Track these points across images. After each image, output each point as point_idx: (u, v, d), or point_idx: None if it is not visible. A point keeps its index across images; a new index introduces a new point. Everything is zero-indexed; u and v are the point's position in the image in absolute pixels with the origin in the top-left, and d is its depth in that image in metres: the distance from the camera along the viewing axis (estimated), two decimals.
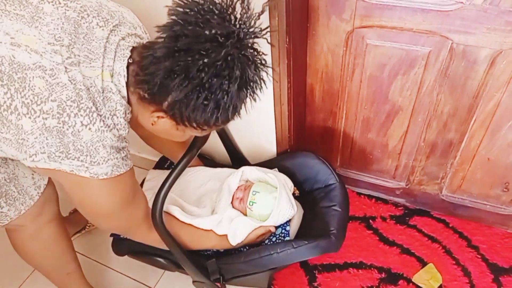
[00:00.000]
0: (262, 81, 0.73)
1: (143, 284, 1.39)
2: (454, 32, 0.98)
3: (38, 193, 0.99)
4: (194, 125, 0.73)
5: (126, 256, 1.27)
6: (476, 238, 1.37)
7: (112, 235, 1.25)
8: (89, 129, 0.70)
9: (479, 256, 1.33)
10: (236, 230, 1.12)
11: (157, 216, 0.96)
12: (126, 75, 0.74)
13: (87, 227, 1.54)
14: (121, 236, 1.21)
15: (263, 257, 1.06)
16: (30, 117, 0.67)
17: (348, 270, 1.35)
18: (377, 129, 1.30)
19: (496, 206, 1.32)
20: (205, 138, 0.98)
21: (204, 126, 0.74)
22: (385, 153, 1.37)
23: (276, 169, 1.30)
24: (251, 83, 0.70)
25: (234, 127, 1.30)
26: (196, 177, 1.33)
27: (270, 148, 1.34)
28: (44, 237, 1.07)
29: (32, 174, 0.97)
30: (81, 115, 0.69)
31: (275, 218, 1.12)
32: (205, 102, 0.68)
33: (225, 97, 0.68)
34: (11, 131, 0.68)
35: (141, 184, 1.35)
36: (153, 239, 1.00)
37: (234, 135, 1.32)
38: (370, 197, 1.53)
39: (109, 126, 0.73)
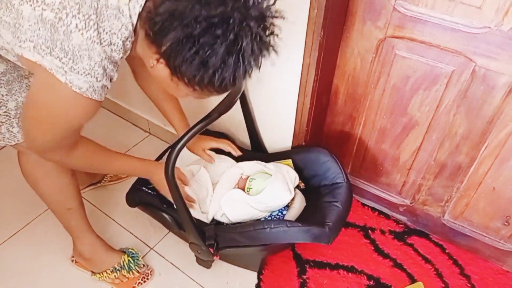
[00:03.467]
0: (261, 59, 0.73)
1: (144, 242, 1.47)
2: (478, 55, 1.04)
3: None
4: (185, 79, 0.75)
5: (133, 214, 1.36)
6: (470, 268, 1.39)
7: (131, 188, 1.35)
8: (82, 34, 0.71)
9: (469, 285, 1.34)
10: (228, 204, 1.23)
11: (169, 171, 1.04)
12: (142, 6, 0.74)
13: (102, 181, 1.64)
14: (137, 187, 1.31)
15: (256, 229, 1.12)
16: (31, 5, 0.71)
17: (338, 271, 1.39)
18: (392, 141, 1.35)
19: (494, 239, 1.34)
20: (227, 105, 1.06)
21: (193, 83, 0.75)
22: (395, 167, 1.41)
23: (291, 160, 1.37)
24: (246, 55, 0.70)
25: (258, 111, 1.37)
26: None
27: (286, 139, 1.41)
28: (48, 166, 1.12)
29: None
30: (79, 18, 0.70)
31: (268, 194, 1.18)
32: (193, 55, 0.69)
33: (213, 56, 0.68)
34: (12, 15, 0.73)
35: (161, 156, 1.44)
36: (70, 160, 0.96)
37: (257, 120, 1.40)
38: (373, 209, 1.57)
39: (103, 41, 0.73)
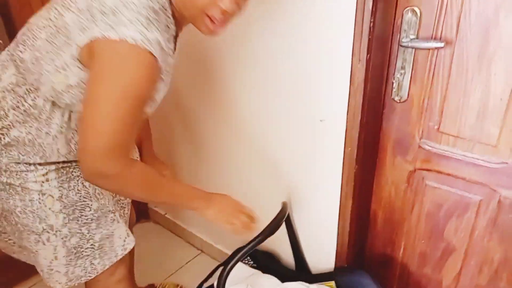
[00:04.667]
0: None
1: None
2: (501, 187, 1.14)
3: (122, 253, 1.14)
4: None
5: None
6: None
7: None
8: None
9: None
10: None
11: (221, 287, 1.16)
12: None
13: None
14: None
15: None
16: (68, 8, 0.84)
17: None
18: (433, 265, 1.40)
19: None
20: (273, 228, 1.21)
21: None
22: None
23: (334, 282, 1.43)
24: None
25: (302, 232, 1.50)
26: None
27: (329, 259, 1.49)
28: None
29: (125, 238, 1.14)
30: None
31: None
32: None
33: None
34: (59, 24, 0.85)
35: (211, 274, 1.55)
36: (129, 174, 0.87)
37: (301, 241, 1.52)
38: None
39: None
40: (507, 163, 1.11)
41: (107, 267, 1.11)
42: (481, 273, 1.29)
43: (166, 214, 2.16)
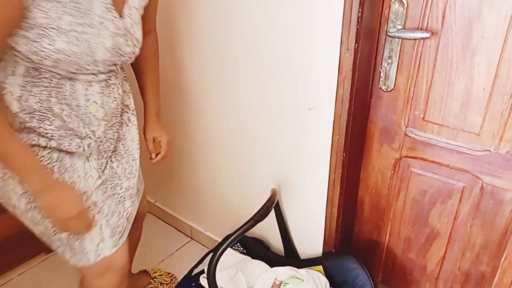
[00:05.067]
0: None
1: None
2: (483, 173, 1.18)
3: (95, 259, 1.07)
4: None
5: None
6: None
7: None
8: None
9: None
10: None
11: (211, 272, 1.19)
12: None
13: None
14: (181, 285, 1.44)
15: None
16: None
17: None
18: (417, 250, 1.44)
19: None
20: (263, 214, 1.24)
21: None
22: (423, 276, 1.47)
23: (321, 266, 1.47)
24: None
25: (290, 219, 1.53)
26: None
27: (317, 245, 1.53)
28: None
29: (98, 243, 1.07)
30: None
31: None
32: None
33: None
34: None
35: (201, 260, 1.59)
36: None
37: (290, 228, 1.56)
38: None
39: None
40: (489, 150, 1.15)
41: (79, 266, 1.08)
42: (464, 257, 1.34)
43: (156, 202, 2.18)
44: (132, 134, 1.18)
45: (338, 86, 1.17)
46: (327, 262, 1.47)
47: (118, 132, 1.12)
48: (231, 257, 1.54)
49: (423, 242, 1.41)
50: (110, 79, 1.02)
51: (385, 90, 1.24)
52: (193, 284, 1.45)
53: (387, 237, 1.50)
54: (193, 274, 1.54)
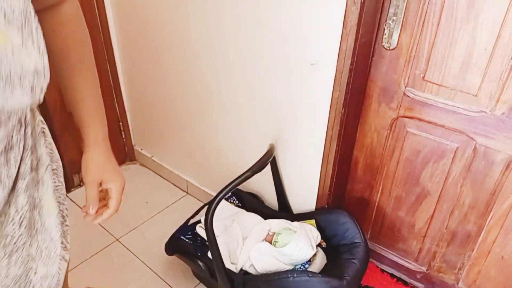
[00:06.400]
0: None
1: None
2: (477, 134, 1.21)
3: None
4: None
5: (168, 263, 1.52)
6: None
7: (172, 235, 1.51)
8: None
9: None
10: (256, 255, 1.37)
11: (208, 224, 1.23)
12: None
13: None
14: (176, 236, 1.48)
15: (281, 278, 1.25)
16: None
17: None
18: (407, 209, 1.49)
19: None
20: (260, 166, 1.26)
21: None
22: (411, 234, 1.53)
23: (314, 220, 1.52)
24: None
25: (286, 175, 1.57)
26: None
27: (311, 201, 1.57)
28: None
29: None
30: None
31: (292, 248, 1.32)
32: None
33: None
34: None
35: (197, 212, 1.63)
36: None
37: (285, 183, 1.59)
38: (392, 276, 1.66)
39: None
40: (485, 112, 1.17)
41: None
42: (452, 216, 1.39)
43: (152, 156, 2.20)
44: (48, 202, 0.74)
45: (342, 41, 1.18)
46: (319, 217, 1.52)
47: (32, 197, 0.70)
48: (226, 209, 1.59)
49: (413, 200, 1.46)
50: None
51: (388, 48, 1.25)
52: (189, 233, 1.49)
53: (378, 195, 1.55)
54: (189, 224, 1.58)
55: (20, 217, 0.66)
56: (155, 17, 1.69)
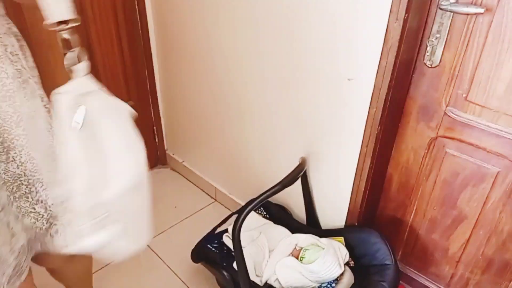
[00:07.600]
0: None
1: None
2: None
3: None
4: None
5: (193, 270, 1.52)
6: None
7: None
8: None
9: None
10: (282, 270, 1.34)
11: (236, 234, 1.22)
12: None
13: None
14: (203, 244, 1.48)
15: None
16: None
17: None
18: (441, 232, 1.43)
19: None
20: (290, 180, 1.25)
21: None
22: (444, 258, 1.47)
23: (343, 238, 1.49)
24: None
25: (316, 189, 1.54)
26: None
27: (340, 217, 1.54)
28: None
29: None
30: None
31: (319, 265, 1.29)
32: None
33: None
34: None
35: (224, 221, 1.62)
36: None
37: (315, 197, 1.57)
38: None
39: None
40: None
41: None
42: (489, 243, 1.32)
43: (183, 161, 2.22)
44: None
45: (382, 58, 1.15)
46: (349, 234, 1.48)
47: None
48: (254, 220, 1.58)
49: (449, 224, 1.40)
50: None
51: (430, 66, 1.21)
52: (215, 242, 1.49)
53: (412, 216, 1.50)
54: (216, 232, 1.58)
55: None
56: (192, 30, 1.72)
